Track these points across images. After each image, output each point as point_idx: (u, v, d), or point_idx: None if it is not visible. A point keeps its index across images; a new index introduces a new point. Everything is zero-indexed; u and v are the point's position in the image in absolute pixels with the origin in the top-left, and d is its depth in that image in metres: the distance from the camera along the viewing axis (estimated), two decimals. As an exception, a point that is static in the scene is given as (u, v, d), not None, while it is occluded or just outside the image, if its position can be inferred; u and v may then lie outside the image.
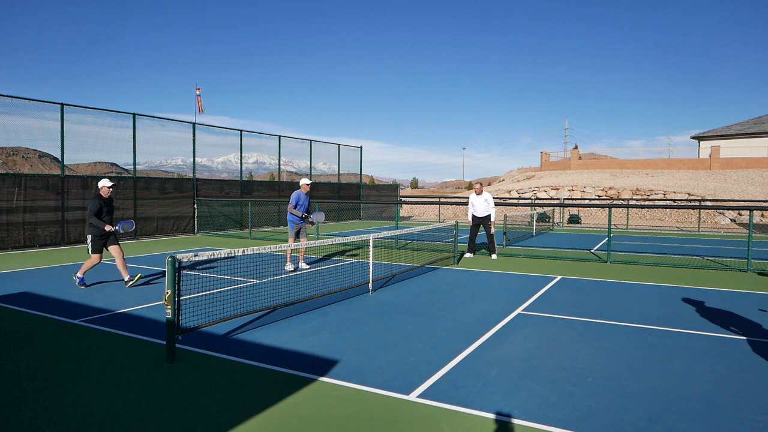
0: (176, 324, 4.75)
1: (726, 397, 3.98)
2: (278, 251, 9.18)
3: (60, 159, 14.12)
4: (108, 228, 7.96)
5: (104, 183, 8.16)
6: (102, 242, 8.04)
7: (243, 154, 20.56)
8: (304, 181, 10.07)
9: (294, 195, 9.92)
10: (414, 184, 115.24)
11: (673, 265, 10.69)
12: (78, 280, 7.98)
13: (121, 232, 8.24)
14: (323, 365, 4.64)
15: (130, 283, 8.01)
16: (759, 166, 34.43)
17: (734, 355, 4.99)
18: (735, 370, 4.55)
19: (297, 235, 10.11)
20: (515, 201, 29.29)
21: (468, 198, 12.66)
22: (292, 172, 26.73)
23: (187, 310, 6.00)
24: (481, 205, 11.85)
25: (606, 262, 11.26)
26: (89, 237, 7.97)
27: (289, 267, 9.67)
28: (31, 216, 13.33)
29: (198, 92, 19.89)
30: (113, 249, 8.12)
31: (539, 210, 22.08)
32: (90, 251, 7.98)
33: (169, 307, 4.63)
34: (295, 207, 9.89)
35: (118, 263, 8.11)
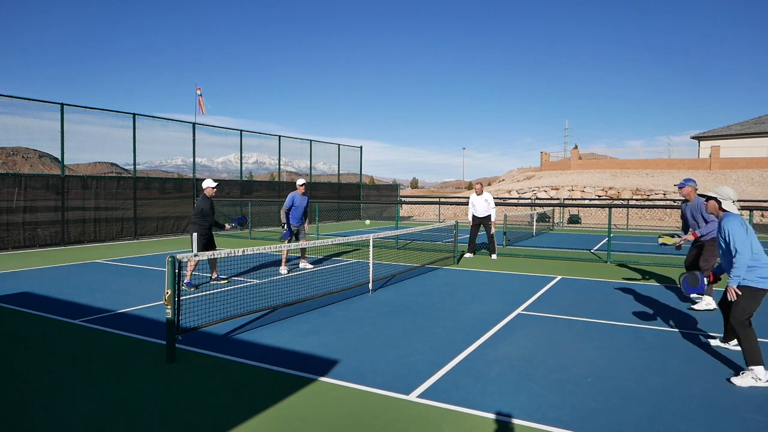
0: (176, 324, 4.75)
1: (726, 397, 3.99)
2: (278, 251, 9.18)
3: (60, 159, 14.12)
4: (228, 226, 8.64)
5: (208, 183, 8.42)
6: (206, 240, 8.24)
7: (243, 154, 20.57)
8: (300, 182, 10.03)
9: (288, 197, 9.86)
10: (414, 184, 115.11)
11: (673, 265, 10.68)
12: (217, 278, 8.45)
13: (236, 227, 8.81)
14: (323, 365, 4.64)
15: (218, 282, 8.39)
16: (759, 166, 34.40)
17: (734, 355, 4.99)
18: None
19: (296, 237, 10.03)
20: (515, 201, 29.28)
21: (468, 198, 12.67)
22: (292, 172, 26.74)
23: (187, 310, 6.01)
24: (481, 205, 11.86)
25: (606, 262, 11.26)
26: (194, 235, 8.05)
27: (283, 270, 9.52)
28: (31, 216, 13.33)
29: (199, 92, 19.87)
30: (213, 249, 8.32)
31: (539, 210, 22.08)
32: (194, 249, 8.16)
33: (169, 307, 4.63)
34: (290, 209, 9.81)
35: (211, 262, 8.49)
